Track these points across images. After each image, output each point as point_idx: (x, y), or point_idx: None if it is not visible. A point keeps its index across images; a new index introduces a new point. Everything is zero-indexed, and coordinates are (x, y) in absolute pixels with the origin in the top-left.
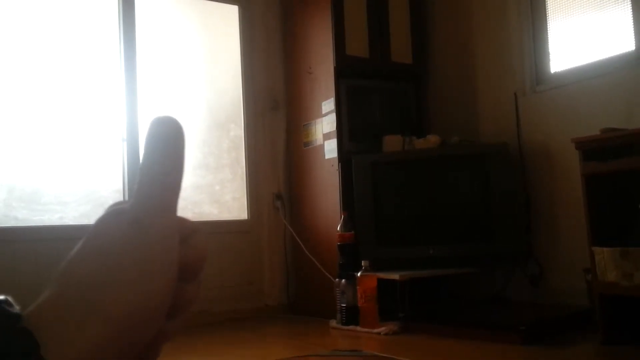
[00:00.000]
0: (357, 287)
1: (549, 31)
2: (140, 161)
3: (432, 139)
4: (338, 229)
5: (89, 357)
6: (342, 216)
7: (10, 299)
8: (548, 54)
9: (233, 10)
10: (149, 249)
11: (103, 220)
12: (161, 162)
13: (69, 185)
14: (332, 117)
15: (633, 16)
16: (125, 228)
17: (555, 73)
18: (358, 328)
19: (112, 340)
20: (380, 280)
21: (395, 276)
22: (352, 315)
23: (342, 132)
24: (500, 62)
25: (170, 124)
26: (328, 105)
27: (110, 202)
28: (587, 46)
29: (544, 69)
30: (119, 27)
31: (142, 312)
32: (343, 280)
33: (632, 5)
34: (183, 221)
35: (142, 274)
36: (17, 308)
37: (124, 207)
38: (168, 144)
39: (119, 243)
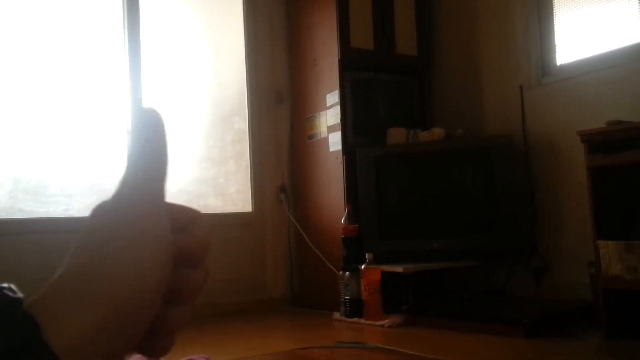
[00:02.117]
0: (361, 279)
1: (555, 23)
2: (128, 153)
3: (437, 132)
4: (342, 221)
5: (88, 341)
6: (346, 209)
7: (13, 286)
8: (554, 46)
9: (237, 2)
10: (137, 235)
11: (95, 211)
12: (144, 148)
13: (74, 177)
14: (337, 110)
15: None
16: (111, 214)
17: (561, 65)
18: (362, 320)
19: (110, 325)
20: (384, 273)
21: (399, 269)
22: (355, 308)
23: (347, 125)
24: (505, 55)
25: (150, 114)
26: (332, 98)
27: None
28: (593, 38)
29: (549, 62)
30: (124, 20)
31: (136, 296)
32: (347, 272)
33: None
34: (182, 209)
35: (133, 260)
36: (19, 294)
37: (111, 195)
38: (149, 132)
39: (108, 232)
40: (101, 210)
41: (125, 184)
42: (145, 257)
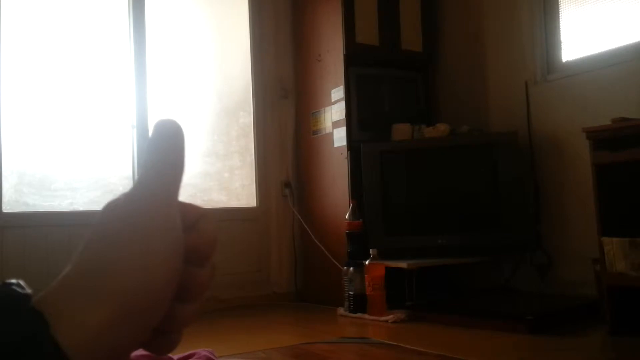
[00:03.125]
0: (365, 275)
1: (560, 20)
2: (144, 161)
3: (442, 128)
4: (346, 217)
5: (97, 338)
6: (351, 204)
7: (22, 282)
8: (560, 42)
9: None
10: (149, 232)
11: (107, 207)
12: (161, 155)
13: (79, 171)
14: (341, 105)
15: None
16: (123, 209)
17: (566, 62)
18: (366, 316)
19: (119, 321)
20: (388, 269)
21: (403, 264)
22: (359, 303)
23: (351, 120)
24: (511, 51)
25: (170, 124)
26: (337, 93)
27: (120, 188)
28: (599, 35)
29: (555, 58)
30: (129, 15)
31: (146, 293)
32: (351, 268)
33: None
34: (190, 206)
35: (144, 256)
36: (28, 290)
37: (124, 193)
38: (167, 142)
39: (119, 227)
40: (113, 205)
41: (140, 183)
42: (155, 253)
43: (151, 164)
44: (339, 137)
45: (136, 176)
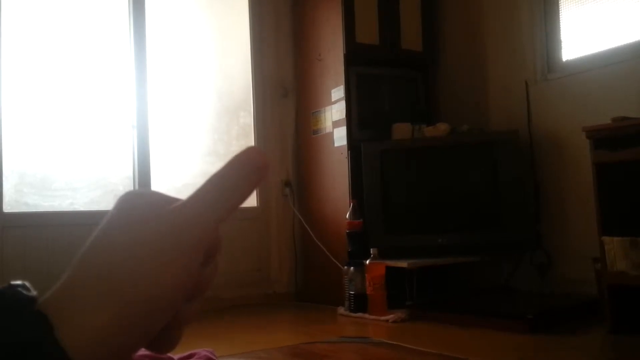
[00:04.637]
0: (366, 274)
1: (561, 19)
2: (215, 171)
3: (442, 127)
4: (347, 216)
5: (102, 341)
6: (351, 204)
7: (27, 283)
8: (560, 41)
9: None
10: (179, 246)
11: (134, 208)
12: (234, 180)
13: (80, 171)
14: (342, 105)
15: None
16: (154, 214)
17: (567, 61)
18: (366, 315)
19: (126, 325)
20: (388, 268)
21: (403, 264)
22: (360, 303)
23: (352, 120)
24: (511, 50)
25: (261, 156)
26: (337, 93)
27: (121, 188)
28: (599, 34)
29: (555, 57)
30: (129, 15)
31: (159, 300)
32: (351, 267)
33: None
34: None
35: (166, 267)
36: (33, 292)
37: (161, 197)
38: (248, 170)
39: (145, 234)
40: (130, 204)
41: (195, 197)
42: (178, 268)
43: (215, 185)
44: (339, 136)
45: (136, 172)
